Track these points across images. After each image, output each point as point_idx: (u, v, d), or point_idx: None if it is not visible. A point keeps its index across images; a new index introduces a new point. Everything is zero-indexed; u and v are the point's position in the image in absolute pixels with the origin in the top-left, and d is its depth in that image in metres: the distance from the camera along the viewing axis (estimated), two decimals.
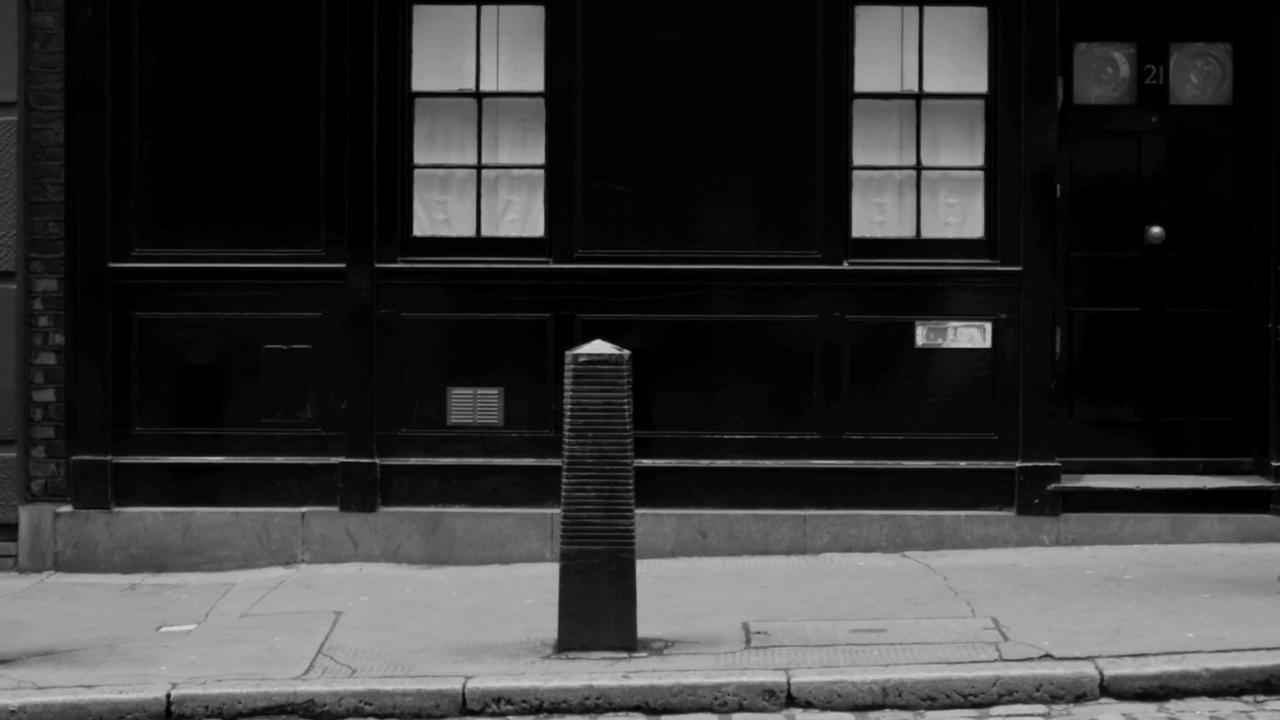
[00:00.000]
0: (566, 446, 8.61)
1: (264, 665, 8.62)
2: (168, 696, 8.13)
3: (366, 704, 8.09)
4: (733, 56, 11.12)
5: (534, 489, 11.09)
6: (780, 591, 9.97)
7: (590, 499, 8.60)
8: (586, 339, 10.11)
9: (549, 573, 10.06)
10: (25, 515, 11.17)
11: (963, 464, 11.09)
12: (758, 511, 11.06)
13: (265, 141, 11.19)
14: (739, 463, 11.11)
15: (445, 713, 8.08)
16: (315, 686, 8.17)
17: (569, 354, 8.68)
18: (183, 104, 11.22)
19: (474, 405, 11.15)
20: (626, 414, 8.61)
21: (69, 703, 8.12)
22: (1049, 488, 11.00)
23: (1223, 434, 11.40)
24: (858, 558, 10.88)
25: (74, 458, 11.18)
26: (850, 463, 11.09)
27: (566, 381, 8.63)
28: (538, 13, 11.20)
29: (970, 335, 11.11)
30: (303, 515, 11.14)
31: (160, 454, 11.19)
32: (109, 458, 11.16)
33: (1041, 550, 10.89)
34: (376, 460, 11.12)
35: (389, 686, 8.14)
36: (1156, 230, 11.45)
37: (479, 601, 9.97)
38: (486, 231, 11.31)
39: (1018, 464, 11.01)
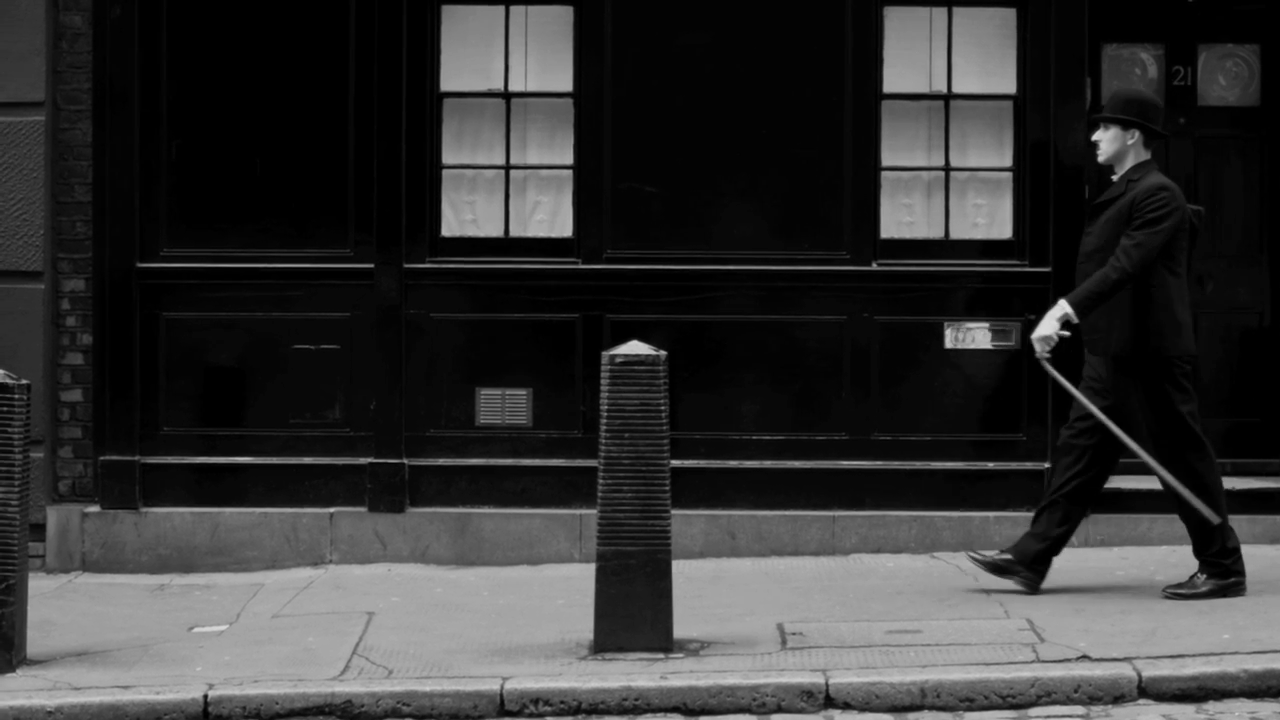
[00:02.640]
0: (603, 447, 8.59)
1: (299, 666, 8.60)
2: (205, 697, 8.11)
3: (404, 704, 8.07)
4: (761, 57, 11.11)
5: (562, 490, 11.08)
6: (812, 592, 9.95)
7: (626, 500, 8.57)
8: (615, 340, 10.12)
9: (578, 573, 10.06)
10: (53, 516, 11.16)
11: (991, 465, 11.08)
12: (786, 512, 11.05)
13: (293, 141, 11.18)
14: (767, 463, 11.10)
15: (483, 713, 8.06)
16: (352, 687, 8.16)
17: (605, 354, 8.64)
18: (211, 104, 11.21)
19: (502, 406, 11.14)
20: (663, 415, 8.58)
21: (106, 703, 8.10)
22: None
23: (1250, 435, 11.39)
24: (887, 558, 10.88)
25: (101, 458, 11.17)
26: (879, 464, 11.09)
27: (603, 382, 8.60)
28: (566, 13, 11.19)
29: (999, 336, 11.10)
30: (331, 516, 11.13)
31: (188, 454, 11.18)
32: (137, 458, 11.15)
33: (1071, 551, 10.80)
34: (405, 461, 11.11)
35: (426, 687, 8.12)
36: None
37: (510, 602, 9.96)
38: (515, 232, 11.30)
39: (1046, 465, 10.98)
